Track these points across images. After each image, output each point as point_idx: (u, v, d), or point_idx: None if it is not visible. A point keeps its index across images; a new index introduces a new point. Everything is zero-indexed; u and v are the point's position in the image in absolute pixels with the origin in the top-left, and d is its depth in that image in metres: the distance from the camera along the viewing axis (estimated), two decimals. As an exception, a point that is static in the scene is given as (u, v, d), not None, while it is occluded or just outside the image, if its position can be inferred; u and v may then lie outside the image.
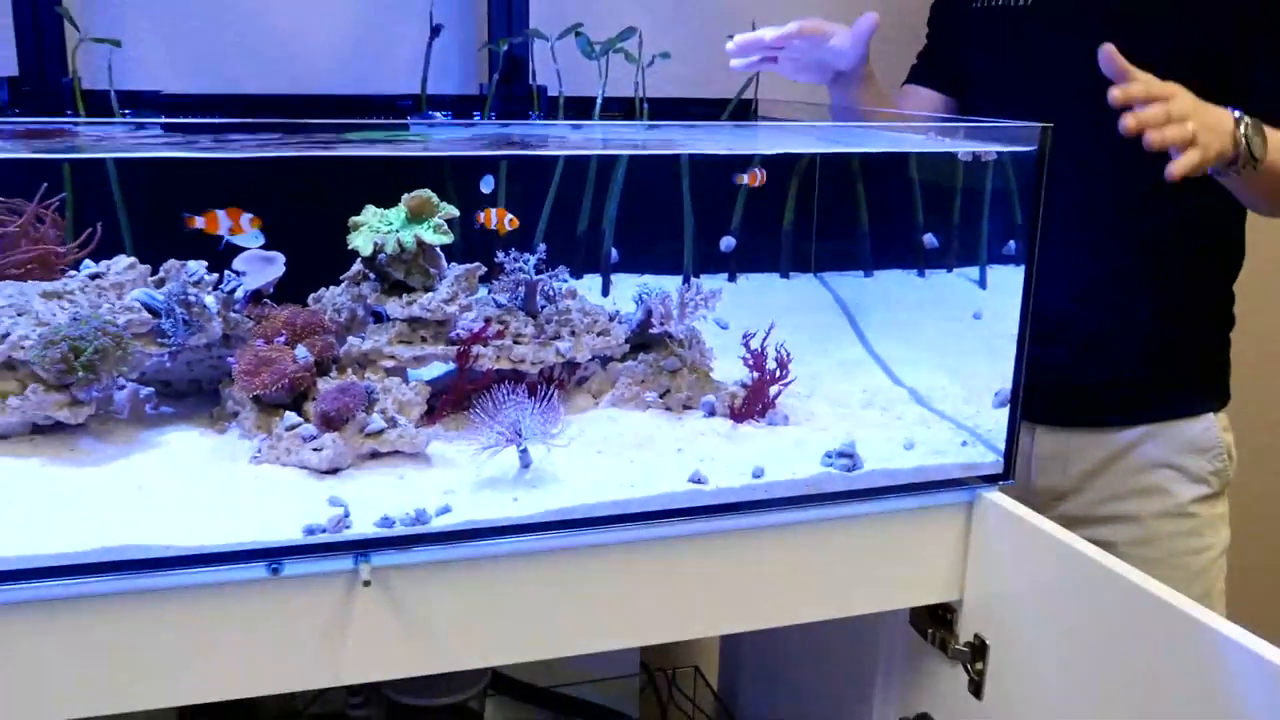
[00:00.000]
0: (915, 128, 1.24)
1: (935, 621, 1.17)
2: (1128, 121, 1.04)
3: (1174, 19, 1.25)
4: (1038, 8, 1.35)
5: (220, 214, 1.08)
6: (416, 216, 1.11)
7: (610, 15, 1.62)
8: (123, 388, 1.14)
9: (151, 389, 1.16)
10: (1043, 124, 1.02)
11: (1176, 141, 1.04)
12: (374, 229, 1.11)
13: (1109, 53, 1.06)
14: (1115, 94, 1.04)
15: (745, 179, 1.24)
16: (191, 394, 1.19)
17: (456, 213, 1.12)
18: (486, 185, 1.20)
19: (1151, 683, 0.90)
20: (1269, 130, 1.16)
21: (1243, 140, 1.11)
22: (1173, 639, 0.88)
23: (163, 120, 1.25)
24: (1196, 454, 1.37)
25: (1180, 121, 1.05)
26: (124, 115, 1.32)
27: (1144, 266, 1.32)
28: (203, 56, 1.57)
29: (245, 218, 1.08)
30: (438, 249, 1.13)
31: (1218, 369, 1.41)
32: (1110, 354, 1.36)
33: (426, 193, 1.11)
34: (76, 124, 1.25)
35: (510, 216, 1.16)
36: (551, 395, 1.02)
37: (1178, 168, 1.05)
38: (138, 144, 1.11)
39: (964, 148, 1.17)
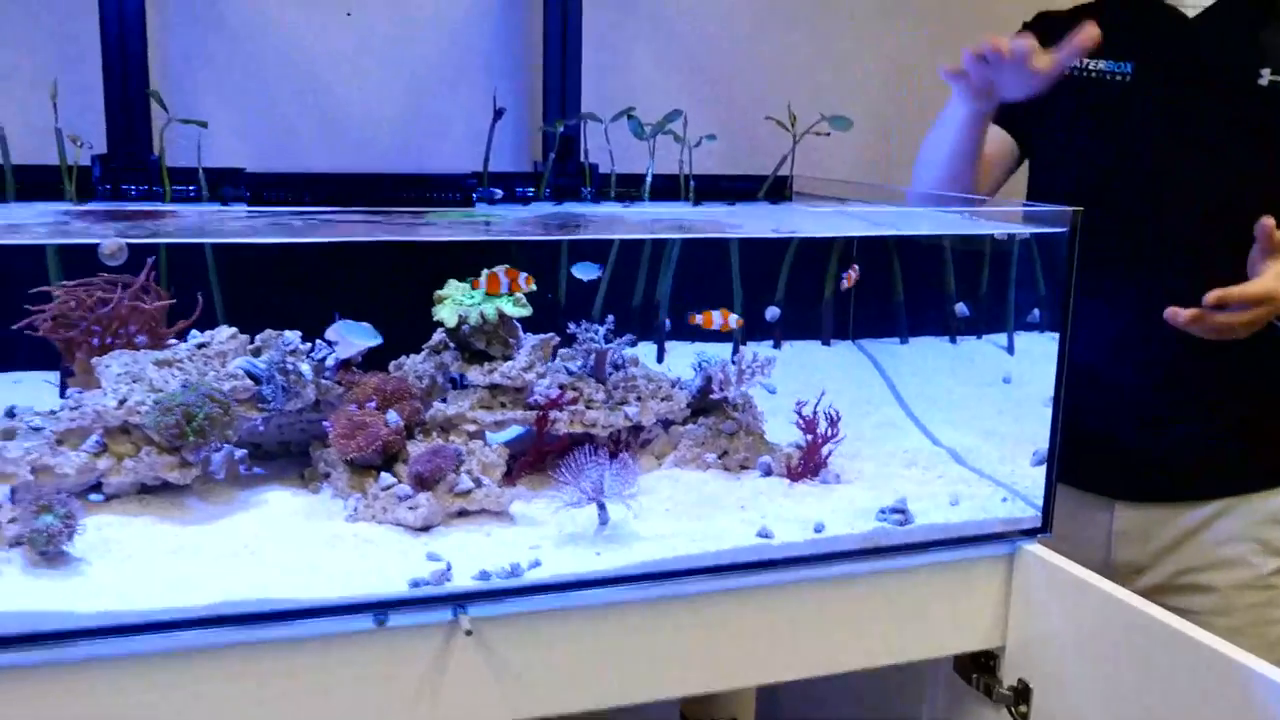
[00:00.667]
0: (950, 210, 1.34)
1: (979, 668, 1.24)
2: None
3: None
4: (1138, 83, 1.40)
5: (500, 274, 1.18)
6: (496, 290, 1.20)
7: (650, 97, 1.73)
8: (219, 450, 1.22)
9: (245, 451, 1.24)
10: (1074, 208, 1.12)
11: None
12: (458, 301, 1.20)
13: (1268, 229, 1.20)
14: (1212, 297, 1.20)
15: (845, 282, 1.34)
16: (280, 455, 1.27)
17: (534, 287, 1.21)
18: (586, 272, 1.29)
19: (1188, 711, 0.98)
20: None
21: None
22: (1219, 686, 0.96)
23: (245, 210, 1.35)
24: (1276, 525, 1.44)
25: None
26: (221, 194, 1.41)
27: (1218, 345, 1.33)
28: (275, 135, 1.67)
29: (522, 277, 1.19)
30: (516, 320, 1.22)
31: None
32: (1187, 430, 1.41)
33: (506, 268, 1.20)
34: (171, 208, 1.34)
35: (736, 317, 1.27)
36: (629, 458, 1.10)
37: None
38: (243, 227, 1.20)
39: (999, 229, 1.27)
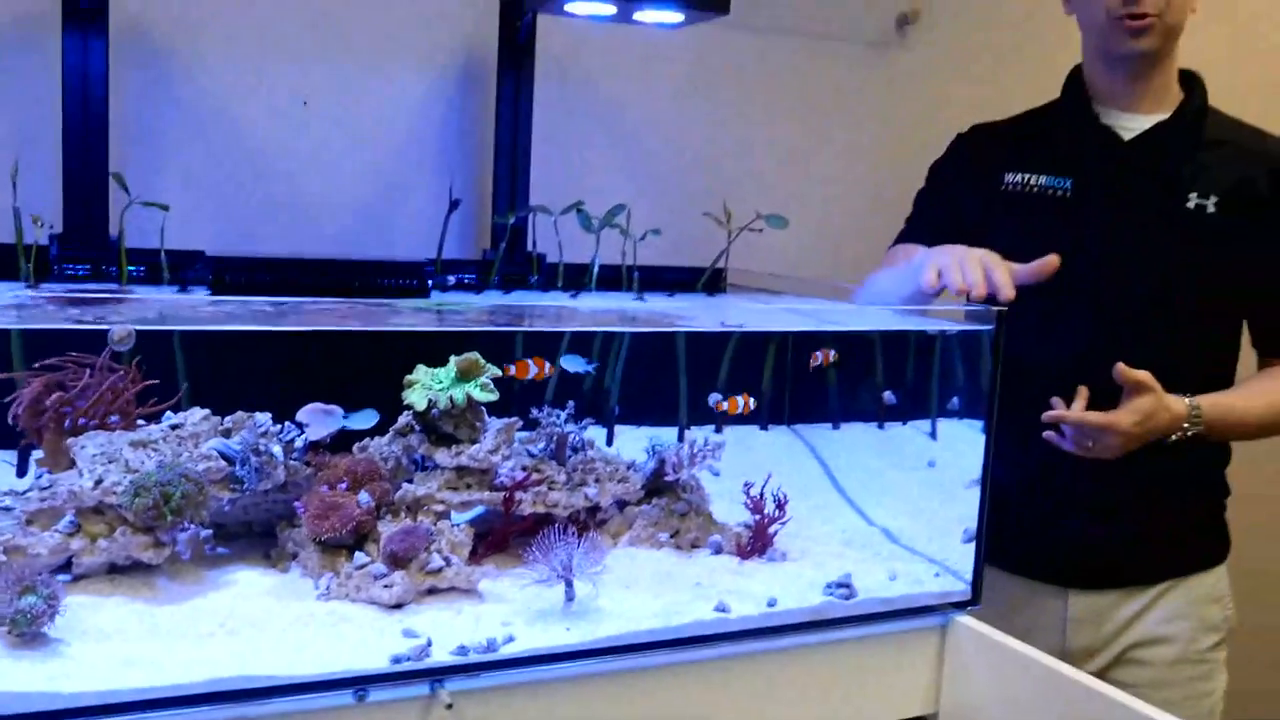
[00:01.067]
0: (882, 309, 1.45)
1: (913, 734, 1.32)
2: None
3: (1214, 245, 1.50)
4: (1077, 199, 1.53)
5: (529, 362, 1.29)
6: (465, 376, 1.26)
7: (596, 190, 1.83)
8: (185, 530, 1.24)
9: (209, 531, 1.26)
10: (998, 308, 1.24)
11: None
12: (427, 386, 1.26)
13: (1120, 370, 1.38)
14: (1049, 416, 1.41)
15: (818, 359, 1.43)
16: (242, 535, 1.29)
17: (499, 372, 1.27)
18: (575, 364, 1.36)
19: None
20: (1237, 399, 1.49)
21: (1185, 432, 1.44)
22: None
23: (211, 298, 1.38)
24: (1213, 604, 1.58)
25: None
26: (181, 276, 1.44)
27: (1160, 453, 1.46)
28: (234, 219, 1.71)
29: (547, 364, 1.29)
30: (481, 405, 1.28)
31: (1222, 525, 1.63)
32: (1132, 522, 1.55)
33: (475, 355, 1.27)
34: (136, 292, 1.37)
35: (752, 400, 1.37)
36: (596, 538, 1.16)
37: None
38: (215, 314, 1.24)
39: (931, 326, 1.38)
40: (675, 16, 1.48)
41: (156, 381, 1.23)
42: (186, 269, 1.50)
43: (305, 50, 1.75)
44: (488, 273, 1.69)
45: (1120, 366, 1.39)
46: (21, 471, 1.31)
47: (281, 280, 1.47)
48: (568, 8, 1.45)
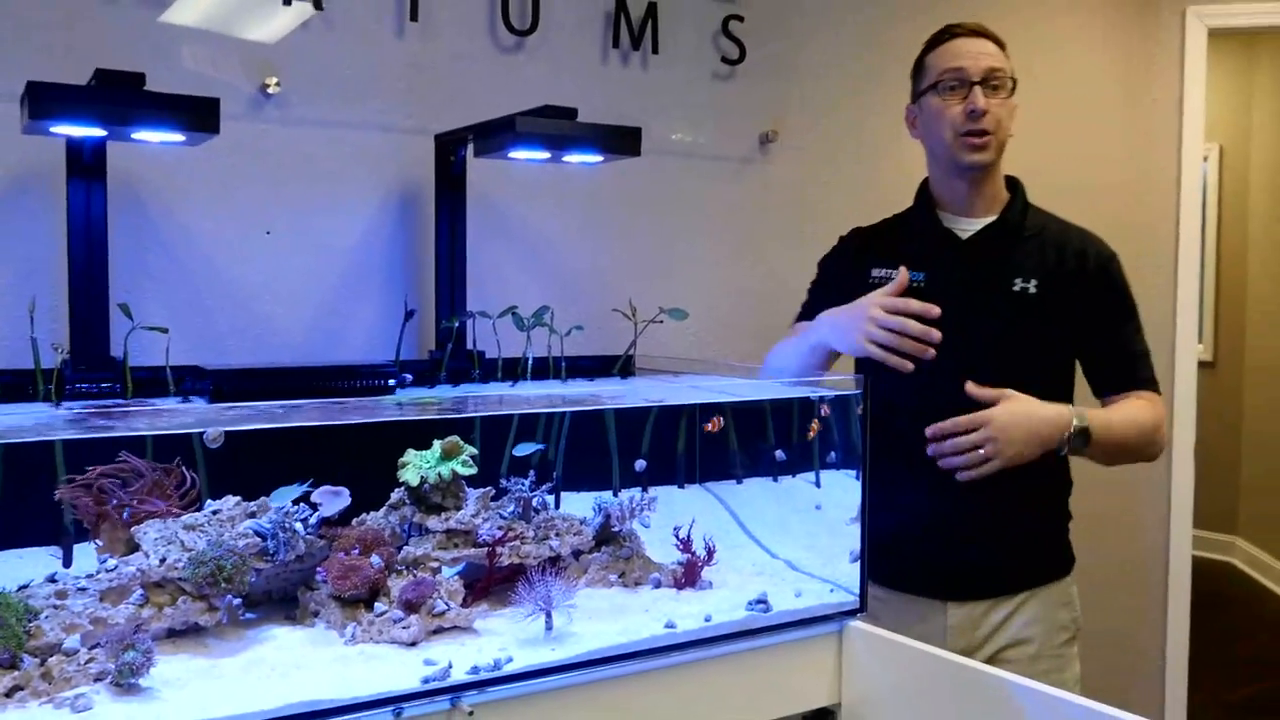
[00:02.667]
0: (768, 384, 1.81)
1: (822, 723, 1.65)
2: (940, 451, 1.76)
3: (1038, 319, 1.89)
4: (929, 289, 1.87)
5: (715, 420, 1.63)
6: (448, 455, 1.55)
7: (522, 295, 2.15)
8: (227, 598, 1.48)
9: (240, 600, 1.51)
10: (861, 375, 1.61)
11: (966, 465, 1.75)
12: (418, 466, 1.54)
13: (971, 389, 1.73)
14: (930, 431, 1.75)
15: (710, 426, 1.76)
16: (263, 602, 1.54)
17: (476, 451, 1.57)
18: (525, 449, 1.66)
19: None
20: (1115, 412, 1.86)
21: (1066, 438, 1.79)
22: (1001, 706, 1.41)
23: (210, 405, 1.64)
24: (1063, 608, 1.95)
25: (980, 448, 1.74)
26: (183, 389, 1.69)
27: (1011, 487, 1.82)
28: (211, 335, 1.96)
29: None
30: (462, 478, 1.57)
31: (1067, 543, 2.02)
32: (998, 545, 1.91)
33: (455, 438, 1.56)
34: (166, 404, 1.62)
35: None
36: (571, 578, 1.46)
37: (964, 476, 1.75)
38: (235, 416, 1.50)
39: (814, 393, 1.74)
40: (596, 158, 1.83)
41: (194, 478, 1.48)
42: (186, 382, 1.75)
43: (266, 188, 2.03)
44: (437, 369, 1.98)
45: (970, 386, 1.77)
46: (67, 562, 1.53)
47: (272, 387, 1.73)
48: (511, 155, 1.78)
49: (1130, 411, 1.91)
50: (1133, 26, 3.35)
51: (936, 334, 1.71)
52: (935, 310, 1.72)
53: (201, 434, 1.32)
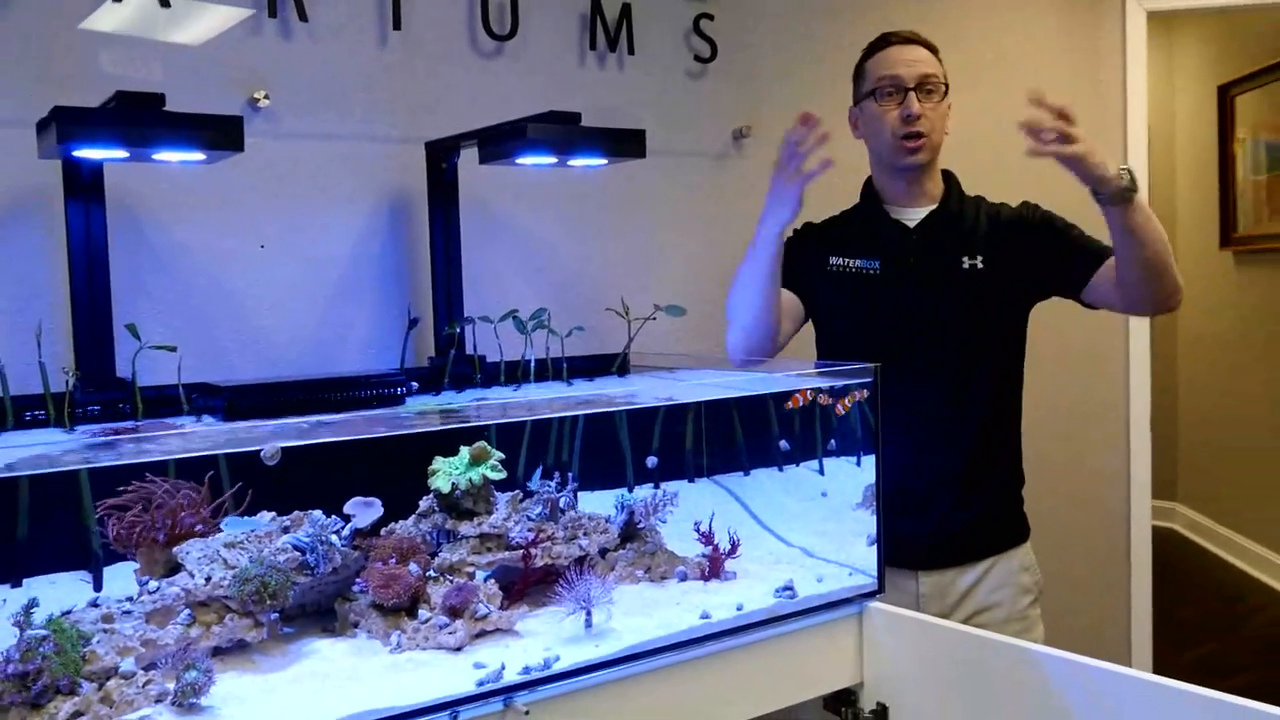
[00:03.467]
0: (778, 376, 1.86)
1: (843, 702, 1.70)
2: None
3: (991, 290, 1.98)
4: (884, 275, 2.00)
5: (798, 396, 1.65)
6: (476, 461, 1.57)
7: (517, 299, 2.17)
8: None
9: (277, 615, 1.51)
10: (876, 364, 1.67)
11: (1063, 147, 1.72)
12: (448, 473, 1.56)
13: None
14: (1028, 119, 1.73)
15: (792, 404, 1.80)
16: (298, 616, 1.54)
17: (504, 456, 1.59)
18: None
19: (999, 702, 1.49)
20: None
21: (1125, 174, 1.76)
22: (1013, 670, 1.47)
23: (224, 425, 1.64)
24: (1025, 572, 2.05)
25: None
26: (195, 405, 1.69)
27: (970, 460, 1.99)
28: (210, 350, 1.95)
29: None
30: (491, 483, 1.59)
31: (1022, 512, 2.12)
32: (960, 515, 2.01)
33: (483, 444, 1.58)
34: (184, 424, 1.62)
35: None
36: (607, 576, 1.50)
37: (1047, 150, 1.73)
38: (262, 434, 1.50)
39: (823, 383, 1.80)
40: (600, 161, 1.87)
41: (231, 493, 1.49)
42: (196, 399, 1.74)
43: (259, 202, 2.02)
44: (440, 376, 2.00)
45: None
46: (98, 586, 1.52)
47: (284, 401, 1.73)
48: (519, 160, 1.80)
49: None
50: (1077, 11, 3.46)
51: (822, 128, 1.82)
52: (814, 116, 1.82)
53: (258, 452, 1.32)
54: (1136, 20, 3.47)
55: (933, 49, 2.02)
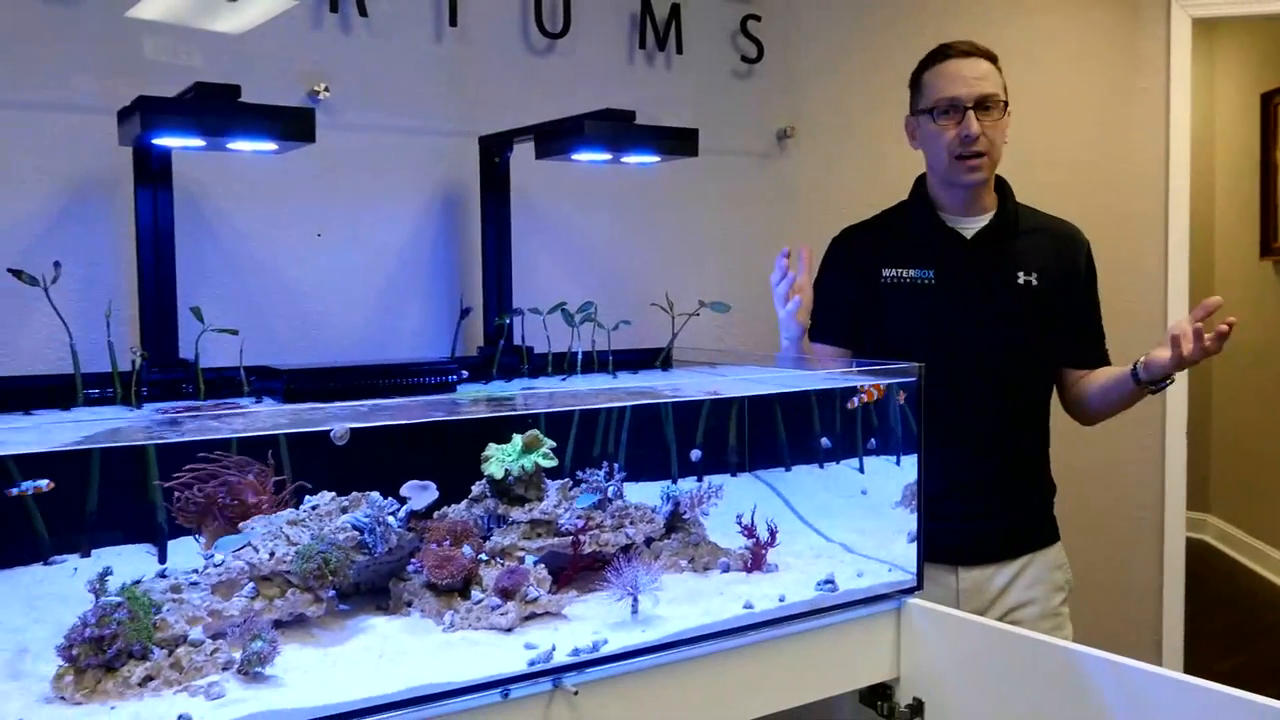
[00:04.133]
0: (821, 374, 1.89)
1: (879, 696, 1.73)
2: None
3: (1041, 309, 2.04)
4: (938, 285, 2.03)
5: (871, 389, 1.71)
6: (529, 448, 1.62)
7: (565, 292, 2.21)
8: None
9: (334, 592, 1.56)
10: (919, 364, 1.69)
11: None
12: (501, 459, 1.60)
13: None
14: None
15: (862, 398, 1.83)
16: (353, 594, 1.59)
17: (554, 444, 1.63)
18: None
19: (1034, 699, 1.52)
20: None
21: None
22: (1045, 666, 1.50)
23: (286, 407, 1.68)
24: (1058, 569, 2.09)
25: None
26: (255, 388, 1.74)
27: (1011, 464, 2.05)
28: (268, 336, 2.01)
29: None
30: (542, 470, 1.63)
31: (1052, 514, 2.16)
32: (1000, 516, 2.06)
33: (536, 432, 1.62)
34: (244, 404, 1.67)
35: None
36: (653, 564, 1.53)
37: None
38: (323, 416, 1.54)
39: (864, 381, 1.82)
40: (653, 159, 1.90)
41: (293, 475, 1.54)
42: (255, 381, 1.79)
43: (317, 191, 2.07)
44: (489, 365, 2.04)
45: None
46: (162, 559, 1.58)
47: (341, 385, 1.78)
48: (574, 156, 1.84)
49: None
50: (1120, 18, 3.46)
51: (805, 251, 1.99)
52: (785, 259, 1.98)
53: (328, 432, 1.37)
54: (1181, 27, 3.47)
55: (992, 58, 2.02)
